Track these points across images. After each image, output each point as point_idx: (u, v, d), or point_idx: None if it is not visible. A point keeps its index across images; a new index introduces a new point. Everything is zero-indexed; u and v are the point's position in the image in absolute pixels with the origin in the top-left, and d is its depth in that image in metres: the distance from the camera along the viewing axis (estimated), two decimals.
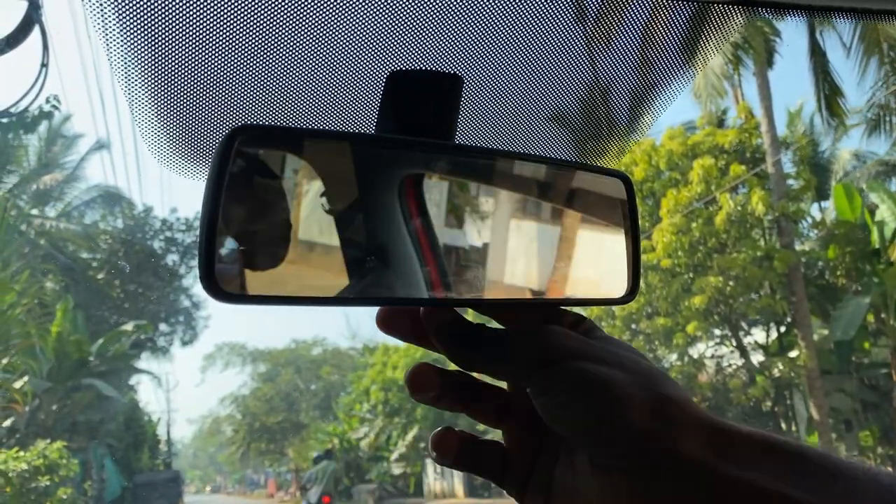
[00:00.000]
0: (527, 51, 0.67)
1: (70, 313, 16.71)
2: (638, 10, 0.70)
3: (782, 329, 15.70)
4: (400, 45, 0.57)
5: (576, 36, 0.67)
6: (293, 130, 0.54)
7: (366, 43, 0.57)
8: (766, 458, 0.45)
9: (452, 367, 0.57)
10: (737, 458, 0.45)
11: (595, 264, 0.64)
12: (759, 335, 16.05)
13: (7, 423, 13.81)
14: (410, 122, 0.57)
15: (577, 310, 0.60)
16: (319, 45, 0.56)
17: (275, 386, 47.68)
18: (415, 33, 0.58)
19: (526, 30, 0.64)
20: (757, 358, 15.49)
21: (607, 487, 0.47)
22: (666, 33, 0.75)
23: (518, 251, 0.60)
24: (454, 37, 0.60)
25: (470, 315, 0.56)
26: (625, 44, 0.72)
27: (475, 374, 0.58)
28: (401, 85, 0.58)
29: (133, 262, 24.04)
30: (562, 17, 0.64)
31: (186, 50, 0.54)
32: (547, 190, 0.62)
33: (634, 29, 0.71)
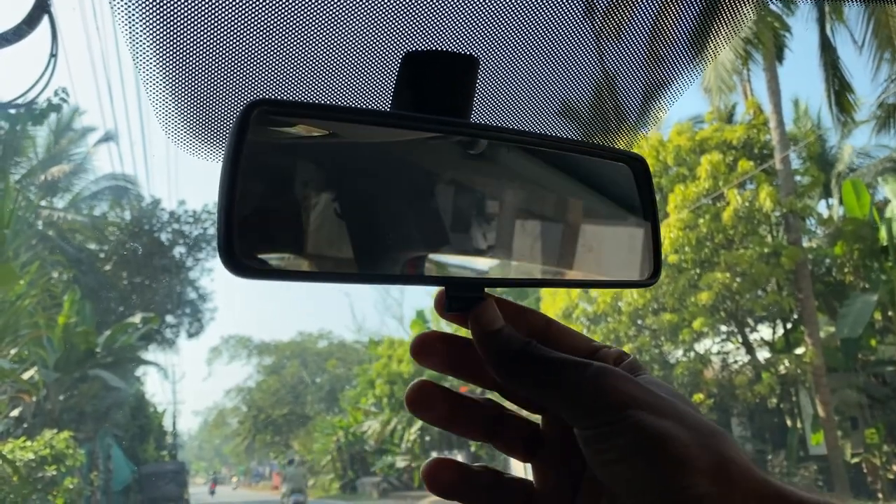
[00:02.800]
0: (539, 37, 0.67)
1: (77, 304, 16.78)
2: (647, 2, 0.70)
3: (789, 326, 15.66)
4: (416, 26, 0.57)
5: (585, 30, 0.67)
6: (310, 106, 0.54)
7: (382, 23, 0.56)
8: None
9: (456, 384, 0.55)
10: None
11: (616, 247, 0.64)
12: (765, 332, 16.01)
13: (15, 412, 13.90)
14: (426, 102, 0.57)
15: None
16: (335, 25, 0.55)
17: (280, 378, 47.88)
18: (430, 14, 0.58)
19: (538, 17, 0.64)
20: (763, 355, 15.45)
21: None
22: (675, 25, 0.74)
23: (537, 232, 0.60)
24: (469, 18, 0.60)
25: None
26: (634, 37, 0.72)
27: (500, 401, 0.55)
28: (416, 65, 0.58)
29: (140, 254, 24.12)
30: (571, 11, 0.64)
31: (201, 28, 0.54)
32: (564, 171, 0.61)
33: (643, 21, 0.71)
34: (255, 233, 0.48)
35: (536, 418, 0.56)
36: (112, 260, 23.66)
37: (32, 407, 14.55)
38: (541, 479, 0.54)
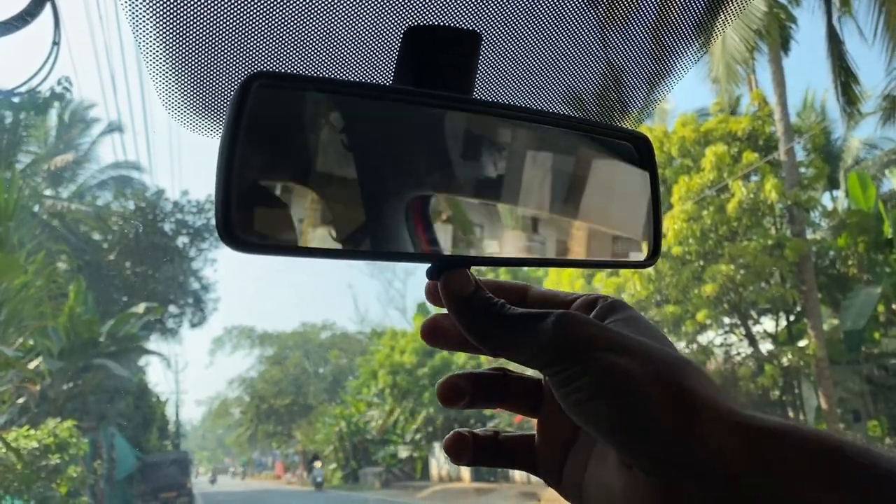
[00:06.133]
0: (543, 17, 0.67)
1: (82, 294, 16.83)
2: None
3: (792, 318, 15.65)
4: (418, 0, 0.57)
5: (589, 13, 0.67)
6: (311, 79, 0.53)
7: None
8: (796, 454, 0.41)
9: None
10: (765, 456, 0.41)
11: (615, 226, 0.63)
12: (768, 324, 16.01)
13: (19, 401, 13.96)
14: (427, 77, 0.56)
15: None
16: None
17: (283, 369, 48.08)
18: None
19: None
20: (766, 347, 15.45)
21: (632, 485, 0.45)
22: (679, 11, 0.74)
23: (535, 210, 0.59)
24: None
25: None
26: (638, 23, 0.71)
27: (508, 366, 0.57)
28: (419, 40, 0.57)
29: (143, 244, 24.18)
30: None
31: (202, 2, 0.54)
32: (566, 148, 0.61)
33: (647, 8, 0.70)
34: (254, 207, 0.47)
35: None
36: (115, 250, 23.71)
37: (37, 396, 14.61)
38: (541, 431, 0.56)
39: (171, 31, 0.55)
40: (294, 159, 0.50)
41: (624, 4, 0.69)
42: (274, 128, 0.49)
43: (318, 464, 28.62)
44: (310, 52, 0.59)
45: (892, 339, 15.07)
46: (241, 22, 0.55)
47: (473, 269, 0.53)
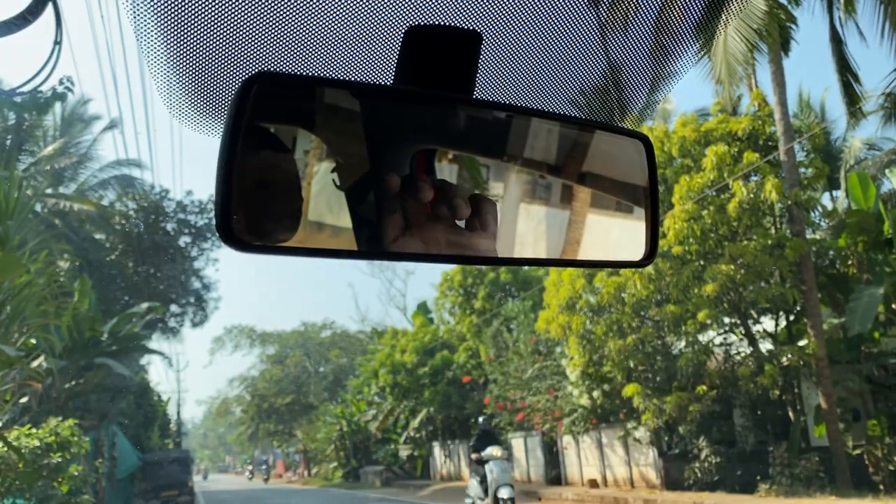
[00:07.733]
0: (543, 17, 0.67)
1: (86, 293, 16.83)
2: None
3: (792, 318, 15.64)
4: (418, 1, 0.57)
5: (589, 15, 0.66)
6: (310, 79, 0.53)
7: None
8: None
9: None
10: None
11: (613, 227, 0.63)
12: (768, 323, 15.99)
13: (21, 400, 13.95)
14: (428, 77, 0.56)
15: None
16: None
17: (283, 368, 48.09)
18: None
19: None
20: (766, 346, 15.43)
21: None
22: (678, 14, 0.74)
23: (534, 210, 0.59)
24: None
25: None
26: (637, 25, 0.71)
27: None
28: (419, 40, 0.57)
29: (146, 244, 24.18)
30: None
31: (203, 3, 0.54)
32: (565, 149, 0.61)
33: (647, 11, 0.70)
34: (254, 207, 0.47)
35: None
36: (118, 249, 23.73)
37: (39, 394, 14.61)
38: None
39: (172, 32, 0.55)
40: (294, 160, 0.50)
41: (624, 5, 0.69)
42: (274, 128, 0.49)
43: (496, 451, 13.05)
44: (311, 53, 0.59)
45: (892, 338, 15.06)
46: (242, 22, 0.55)
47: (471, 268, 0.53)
